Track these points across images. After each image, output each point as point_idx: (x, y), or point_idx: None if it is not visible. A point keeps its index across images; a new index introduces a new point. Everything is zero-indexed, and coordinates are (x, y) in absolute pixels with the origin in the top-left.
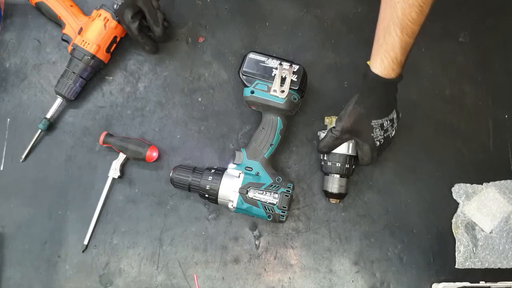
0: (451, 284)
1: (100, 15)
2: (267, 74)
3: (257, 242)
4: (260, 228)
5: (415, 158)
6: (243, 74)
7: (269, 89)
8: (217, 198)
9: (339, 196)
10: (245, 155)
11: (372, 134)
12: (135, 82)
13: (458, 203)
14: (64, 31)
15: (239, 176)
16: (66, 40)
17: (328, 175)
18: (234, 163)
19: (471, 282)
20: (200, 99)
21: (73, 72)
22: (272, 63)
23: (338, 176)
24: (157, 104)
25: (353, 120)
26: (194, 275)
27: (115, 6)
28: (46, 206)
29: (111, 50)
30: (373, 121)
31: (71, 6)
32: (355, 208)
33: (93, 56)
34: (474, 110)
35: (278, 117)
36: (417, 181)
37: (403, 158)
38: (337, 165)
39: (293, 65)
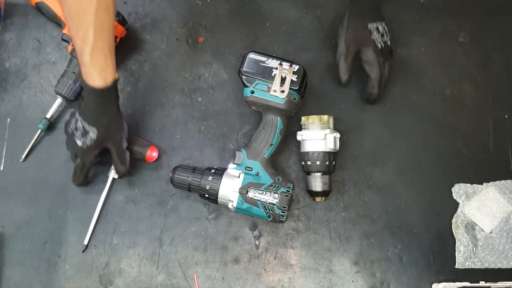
0: (451, 284)
1: None
2: (267, 74)
3: (257, 242)
4: (260, 228)
5: (415, 158)
6: (243, 74)
7: (269, 89)
8: (217, 198)
9: (323, 193)
10: (245, 155)
11: (372, 37)
12: (135, 82)
13: (458, 203)
14: (64, 31)
15: (239, 176)
16: (66, 40)
17: (310, 174)
18: (234, 163)
19: (471, 282)
20: (200, 99)
21: (73, 72)
22: (272, 63)
23: (319, 174)
24: (157, 104)
25: (352, 30)
26: (194, 275)
27: (79, 143)
28: (46, 206)
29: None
30: (368, 24)
31: None
32: (355, 208)
33: None
34: (474, 110)
35: (278, 117)
36: (417, 181)
37: (403, 158)
38: (317, 163)
39: (293, 65)
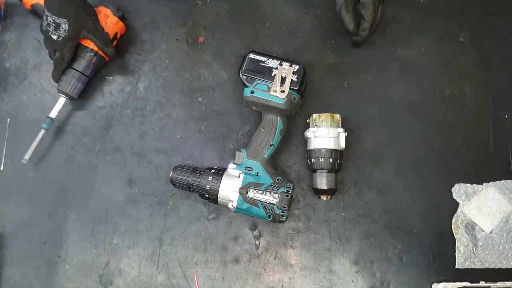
0: (451, 284)
1: (100, 12)
2: (267, 74)
3: (257, 242)
4: (260, 228)
5: (415, 158)
6: (243, 74)
7: (269, 89)
8: (217, 198)
9: (329, 191)
10: (245, 155)
11: None
12: (135, 82)
13: (458, 203)
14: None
15: (239, 176)
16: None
17: (315, 172)
18: (234, 163)
19: (471, 282)
20: (200, 99)
21: (76, 70)
22: (272, 63)
23: (326, 171)
24: (157, 104)
25: None
26: (194, 275)
27: (54, 37)
28: (46, 206)
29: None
30: None
31: None
32: (355, 208)
33: (96, 53)
34: (474, 110)
35: (278, 117)
36: (417, 181)
37: (403, 158)
38: (330, 160)
39: (293, 65)
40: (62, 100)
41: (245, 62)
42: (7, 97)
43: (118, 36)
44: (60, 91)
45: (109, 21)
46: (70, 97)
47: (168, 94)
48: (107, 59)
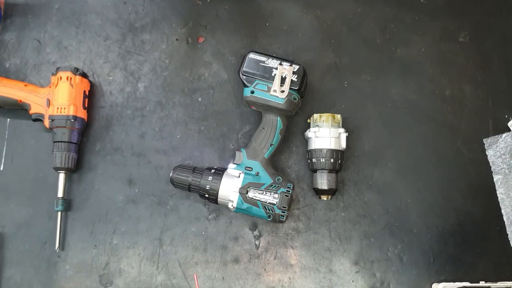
0: (451, 284)
1: (61, 77)
2: (267, 74)
3: (257, 242)
4: (260, 228)
5: (415, 158)
6: (243, 74)
7: (269, 89)
8: (217, 198)
9: (330, 192)
10: (245, 155)
11: None
12: (135, 82)
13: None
14: (32, 111)
15: (239, 176)
16: (38, 118)
17: (316, 172)
18: (234, 163)
19: (471, 282)
20: (200, 99)
21: (63, 142)
22: (272, 63)
23: (326, 171)
24: (157, 104)
25: None
26: (194, 275)
27: None
28: (46, 206)
29: (86, 105)
30: None
31: (25, 86)
32: (355, 208)
33: (75, 117)
34: (474, 110)
35: (278, 117)
36: (417, 181)
37: (403, 158)
38: (331, 160)
39: (293, 65)
40: (62, 176)
41: (245, 62)
42: None
43: (87, 93)
44: (57, 169)
45: (74, 83)
46: (68, 170)
47: (168, 94)
48: (86, 119)
